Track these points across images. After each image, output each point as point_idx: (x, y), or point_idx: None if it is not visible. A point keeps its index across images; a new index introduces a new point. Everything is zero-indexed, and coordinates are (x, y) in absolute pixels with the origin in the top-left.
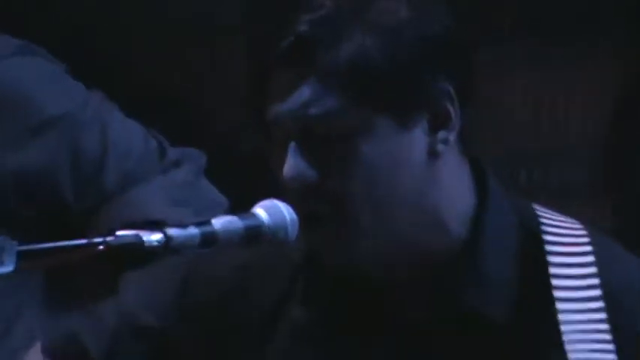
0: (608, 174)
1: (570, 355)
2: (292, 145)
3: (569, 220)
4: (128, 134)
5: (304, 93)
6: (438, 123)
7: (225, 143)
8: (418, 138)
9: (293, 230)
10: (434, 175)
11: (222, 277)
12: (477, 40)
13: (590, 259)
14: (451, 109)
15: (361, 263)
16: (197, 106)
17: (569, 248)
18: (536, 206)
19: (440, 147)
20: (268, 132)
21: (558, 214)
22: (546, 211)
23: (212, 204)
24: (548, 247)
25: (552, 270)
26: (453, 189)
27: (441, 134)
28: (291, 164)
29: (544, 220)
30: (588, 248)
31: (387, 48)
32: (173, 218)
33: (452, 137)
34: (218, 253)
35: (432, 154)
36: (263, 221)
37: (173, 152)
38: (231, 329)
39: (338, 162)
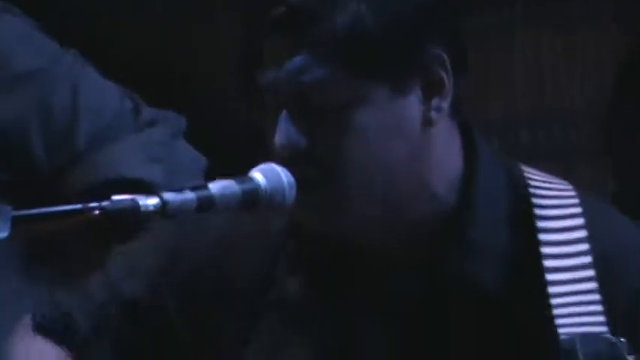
0: (609, 137)
1: (561, 330)
2: (284, 112)
3: (559, 182)
4: (101, 93)
5: (298, 60)
6: (431, 90)
7: (224, 116)
8: (412, 106)
9: (290, 194)
10: (426, 143)
11: (206, 249)
12: (480, 4)
13: (581, 222)
14: (444, 76)
15: (350, 231)
16: (195, 79)
17: (558, 211)
18: (526, 168)
19: (434, 114)
20: (262, 101)
21: (548, 176)
22: (536, 173)
23: (189, 163)
24: (538, 211)
25: (542, 236)
26: (444, 156)
27: (435, 102)
28: (282, 130)
29: (533, 183)
30: (578, 210)
31: (381, 16)
32: (148, 176)
33: (445, 105)
34: (202, 224)
35: (426, 122)
36: (260, 185)
37: (149, 112)
38: (215, 299)
39: (330, 130)
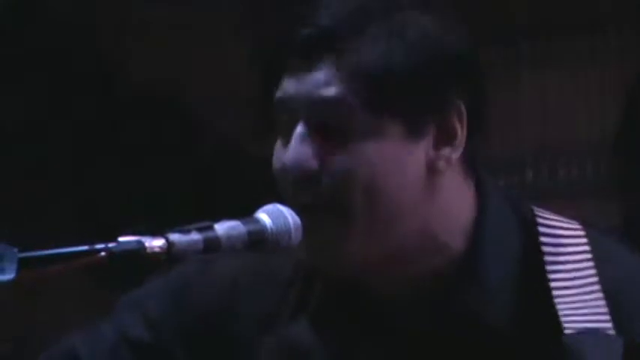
0: (615, 172)
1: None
2: (298, 129)
3: (567, 221)
4: None
5: (322, 74)
6: (444, 139)
7: (229, 145)
8: (422, 150)
9: (296, 235)
10: (432, 191)
11: (212, 292)
12: (488, 40)
13: (588, 258)
14: (459, 128)
15: (355, 270)
16: (201, 107)
17: (566, 249)
18: (536, 209)
19: (441, 165)
20: (272, 123)
21: (557, 216)
22: (545, 213)
23: None
24: (547, 251)
25: (551, 276)
26: (451, 206)
27: (445, 151)
28: (294, 149)
29: (542, 222)
30: (586, 248)
31: (411, 57)
32: None
33: (455, 156)
34: (208, 266)
35: (433, 170)
36: (266, 226)
37: None
38: (221, 343)
39: (341, 156)
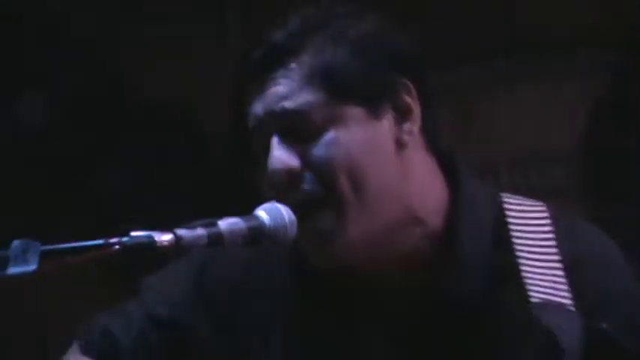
0: (581, 177)
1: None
2: (274, 140)
3: (532, 202)
4: None
5: (281, 89)
6: (401, 115)
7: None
8: (386, 128)
9: (292, 229)
10: (404, 166)
11: (228, 272)
12: (467, 58)
13: (551, 235)
14: (411, 103)
15: (346, 256)
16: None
17: (530, 227)
18: (504, 194)
19: (405, 137)
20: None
21: (522, 198)
22: (511, 196)
23: None
24: (513, 230)
25: (518, 249)
26: (423, 181)
27: (406, 126)
28: (275, 156)
29: (507, 202)
30: (549, 226)
31: (353, 54)
32: None
33: (415, 129)
34: (224, 255)
35: (399, 144)
36: (264, 222)
37: None
38: (238, 316)
39: (318, 147)
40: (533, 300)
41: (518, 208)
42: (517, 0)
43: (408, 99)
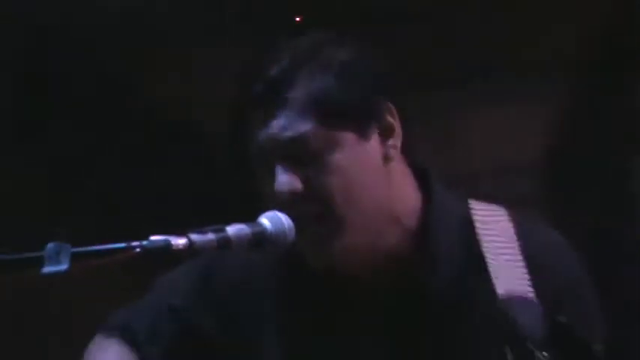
0: (547, 188)
1: (506, 310)
2: (278, 165)
3: (494, 207)
4: None
5: (281, 121)
6: (386, 133)
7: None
8: (374, 146)
9: (290, 235)
10: (388, 176)
11: (231, 272)
12: (444, 83)
13: (511, 234)
14: (394, 122)
15: (342, 258)
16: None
17: (493, 227)
18: (470, 200)
19: (391, 151)
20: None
21: (486, 203)
22: (476, 202)
23: None
24: (479, 230)
25: (484, 248)
26: (403, 187)
27: (390, 142)
28: (281, 180)
29: (474, 210)
30: (510, 226)
31: (339, 84)
32: None
33: (397, 144)
34: (226, 257)
35: (386, 159)
36: (266, 228)
37: None
38: (240, 312)
39: (317, 172)
40: (499, 291)
41: (483, 211)
42: (492, 25)
43: (390, 119)
